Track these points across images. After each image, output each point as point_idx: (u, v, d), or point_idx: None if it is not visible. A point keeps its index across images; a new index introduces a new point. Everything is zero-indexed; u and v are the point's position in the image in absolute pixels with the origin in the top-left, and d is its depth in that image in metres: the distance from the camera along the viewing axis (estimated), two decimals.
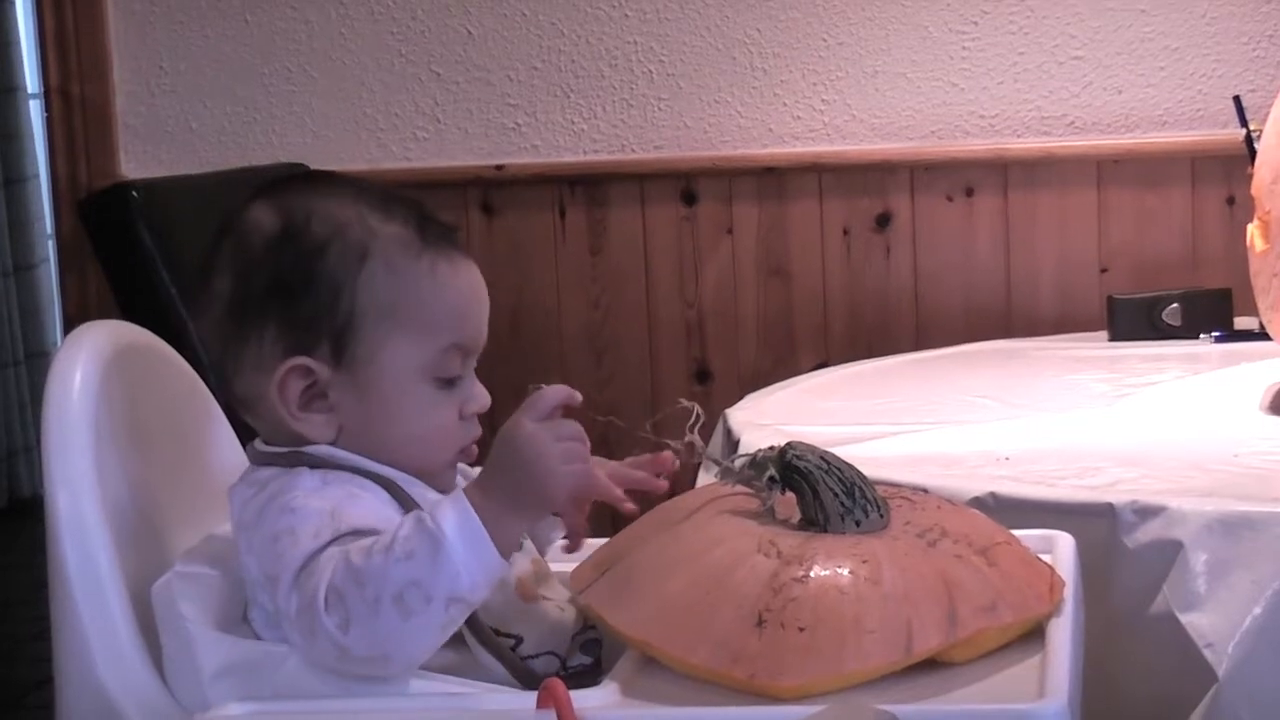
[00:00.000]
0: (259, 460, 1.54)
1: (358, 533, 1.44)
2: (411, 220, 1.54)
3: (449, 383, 1.54)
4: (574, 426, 1.45)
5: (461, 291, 1.56)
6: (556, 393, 1.46)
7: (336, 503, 1.46)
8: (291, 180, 1.59)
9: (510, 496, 1.42)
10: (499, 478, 1.43)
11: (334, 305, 1.51)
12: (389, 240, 1.52)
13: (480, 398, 1.57)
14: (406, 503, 1.50)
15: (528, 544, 1.61)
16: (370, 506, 1.47)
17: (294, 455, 1.52)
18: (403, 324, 1.52)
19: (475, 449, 1.58)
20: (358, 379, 1.52)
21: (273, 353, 1.52)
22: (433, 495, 1.52)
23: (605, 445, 1.73)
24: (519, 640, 1.50)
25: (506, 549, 1.42)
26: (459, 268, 1.56)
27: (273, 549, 1.45)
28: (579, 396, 1.48)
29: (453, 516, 1.41)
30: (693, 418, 1.57)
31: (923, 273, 3.58)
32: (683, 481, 1.65)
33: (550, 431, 1.43)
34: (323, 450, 1.51)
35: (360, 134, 3.71)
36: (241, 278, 1.53)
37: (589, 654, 1.54)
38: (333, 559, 1.41)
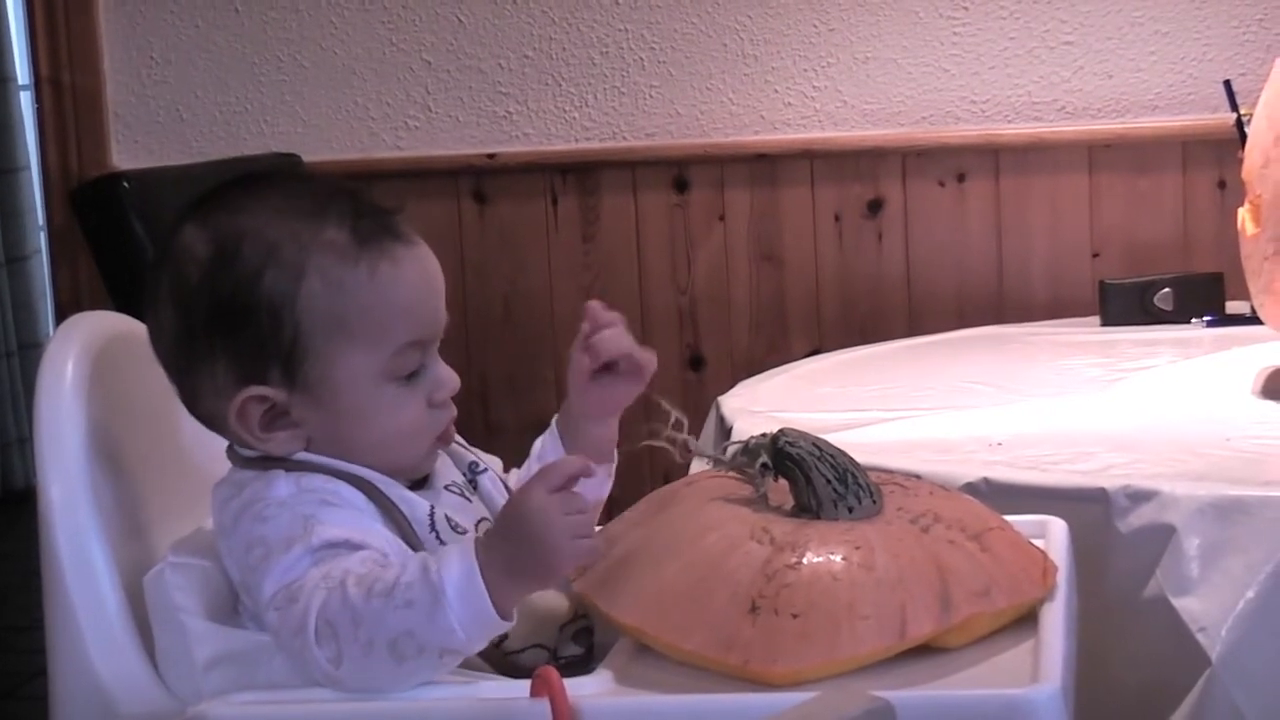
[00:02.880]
0: (237, 462, 1.54)
1: (331, 545, 1.42)
2: (345, 221, 1.50)
3: (411, 377, 1.52)
4: (583, 500, 1.41)
5: (407, 288, 1.51)
6: (571, 465, 1.42)
7: (310, 512, 1.45)
8: (220, 195, 1.54)
9: (516, 564, 1.39)
10: (506, 544, 1.39)
11: (277, 331, 1.48)
12: (323, 252, 1.49)
13: (447, 382, 1.54)
14: (382, 502, 1.49)
15: None
16: (345, 514, 1.46)
17: (268, 460, 1.51)
18: (351, 336, 1.49)
19: (452, 430, 1.57)
20: (316, 396, 1.50)
21: (226, 383, 1.50)
22: (409, 494, 1.51)
23: None
24: (503, 636, 1.49)
25: (506, 610, 1.38)
26: (401, 262, 1.51)
27: (246, 559, 1.45)
28: (593, 468, 1.45)
29: (456, 572, 1.38)
30: (671, 420, 1.57)
31: (915, 259, 3.58)
32: (677, 472, 1.65)
33: (561, 504, 1.39)
34: (299, 455, 1.51)
35: (351, 123, 3.70)
36: (182, 310, 1.51)
37: (580, 644, 1.54)
38: (321, 587, 1.39)
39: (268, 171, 3.10)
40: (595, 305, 1.61)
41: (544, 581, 1.43)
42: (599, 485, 1.65)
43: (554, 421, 1.69)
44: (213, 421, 1.54)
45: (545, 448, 1.69)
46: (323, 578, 1.40)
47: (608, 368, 1.62)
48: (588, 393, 1.63)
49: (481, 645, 1.41)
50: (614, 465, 1.70)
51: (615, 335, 1.61)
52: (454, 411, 1.56)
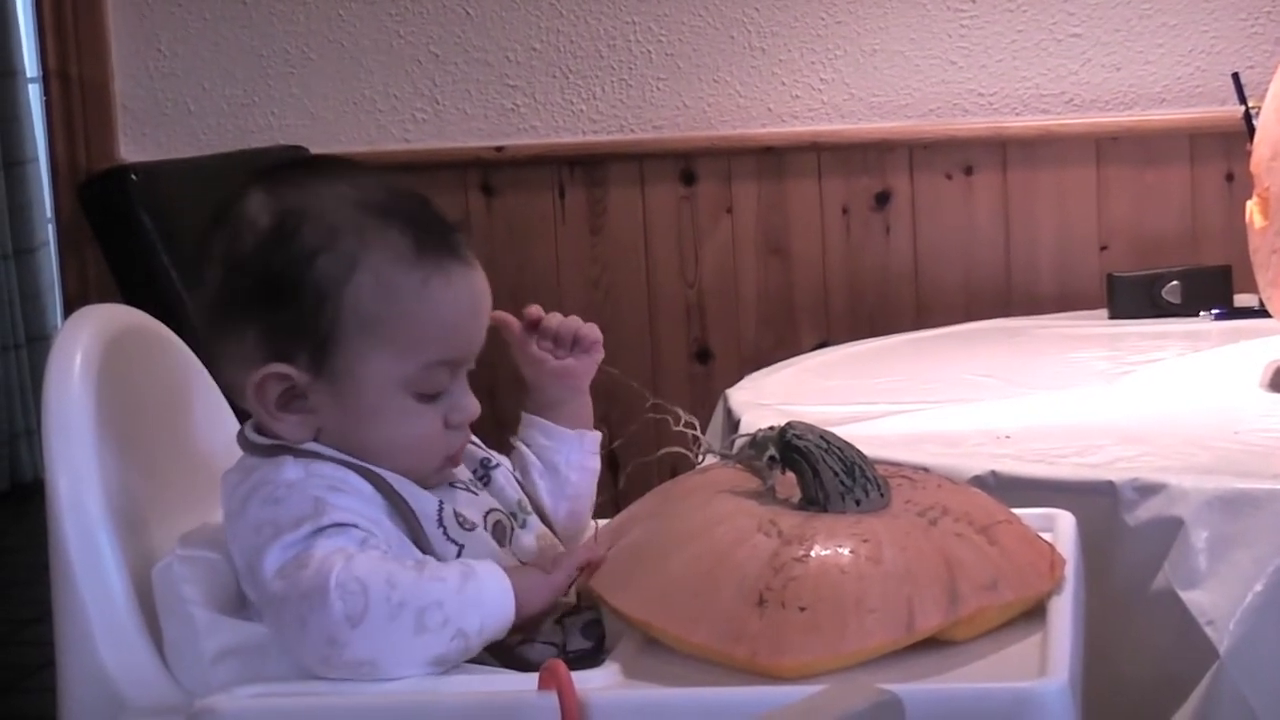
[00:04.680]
0: (247, 448, 1.54)
1: (340, 526, 1.43)
2: (410, 227, 1.51)
3: (433, 395, 1.53)
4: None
5: (452, 308, 1.52)
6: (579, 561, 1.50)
7: (320, 494, 1.45)
8: (293, 169, 1.56)
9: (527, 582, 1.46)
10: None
11: (316, 315, 1.49)
12: (382, 251, 1.49)
13: (467, 408, 1.55)
14: (391, 496, 1.49)
15: (532, 520, 1.61)
16: (353, 500, 1.47)
17: (279, 446, 1.51)
18: (386, 339, 1.49)
19: (461, 455, 1.58)
20: (337, 388, 1.50)
21: (253, 354, 1.50)
22: (419, 491, 1.52)
23: (610, 403, 1.76)
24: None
25: (520, 603, 1.44)
26: (454, 280, 1.52)
27: (254, 540, 1.45)
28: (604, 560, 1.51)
29: (490, 564, 1.44)
30: (681, 421, 1.58)
31: (922, 251, 3.58)
32: (684, 467, 1.65)
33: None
34: (309, 445, 1.51)
35: (359, 116, 3.70)
36: (229, 273, 1.52)
37: (589, 637, 1.54)
38: (340, 553, 1.40)
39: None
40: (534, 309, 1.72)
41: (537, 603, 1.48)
42: (583, 453, 1.72)
43: (526, 419, 1.73)
44: (233, 389, 1.55)
45: (539, 445, 1.72)
46: (338, 549, 1.41)
47: (558, 343, 1.71)
48: (554, 375, 1.71)
49: (485, 641, 1.43)
50: (599, 438, 1.74)
51: (557, 317, 1.71)
52: (468, 436, 1.57)
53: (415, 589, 1.40)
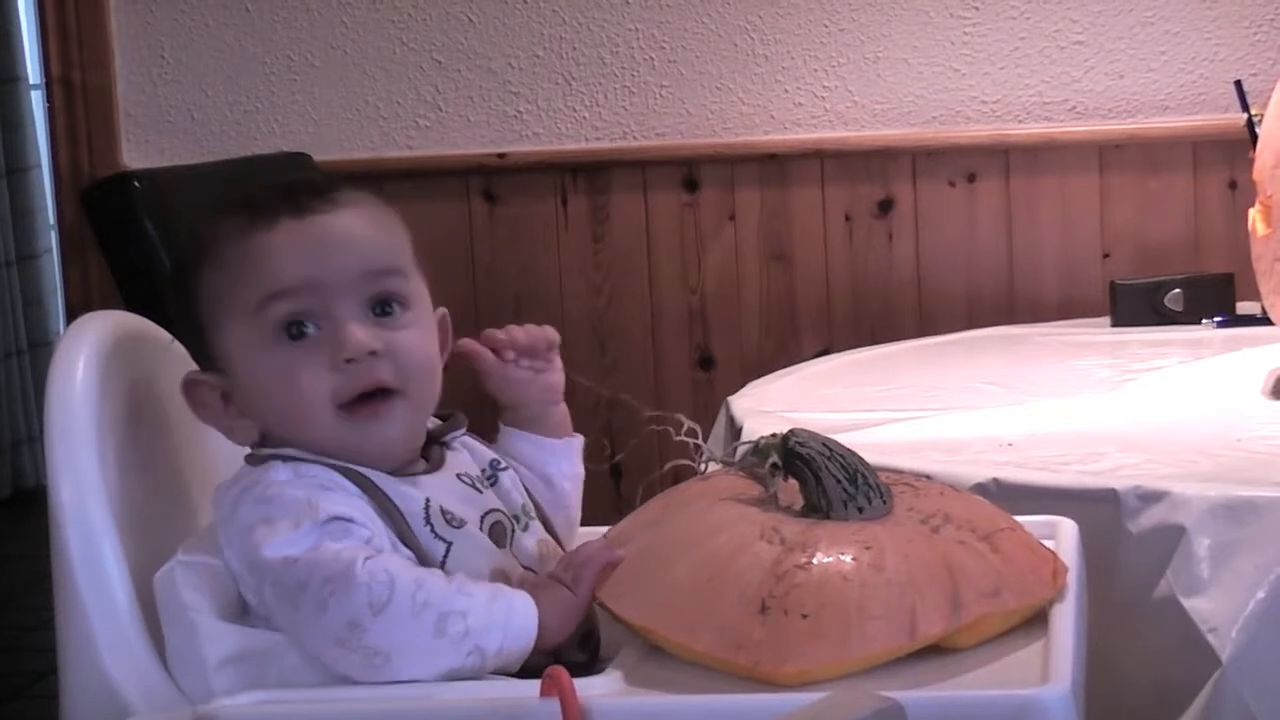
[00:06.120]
0: (246, 460, 1.56)
1: (338, 519, 1.45)
2: (248, 205, 1.54)
3: (298, 337, 1.52)
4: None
5: (272, 244, 1.52)
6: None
7: (310, 494, 1.47)
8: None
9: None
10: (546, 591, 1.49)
11: (191, 316, 1.56)
12: (223, 238, 1.53)
13: (347, 341, 1.50)
14: (376, 495, 1.49)
15: (535, 524, 1.61)
16: (342, 497, 1.48)
17: (269, 455, 1.53)
18: (230, 308, 1.53)
19: (397, 412, 1.53)
20: (231, 376, 1.54)
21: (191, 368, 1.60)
22: (403, 488, 1.52)
23: (613, 412, 1.76)
24: None
25: (544, 630, 1.45)
26: (277, 230, 1.52)
27: (249, 539, 1.46)
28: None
29: (522, 594, 1.46)
30: (684, 429, 1.58)
31: (925, 259, 3.58)
32: (686, 474, 1.66)
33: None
34: (291, 450, 1.52)
35: (362, 122, 3.70)
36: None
37: (585, 650, 1.54)
38: (361, 548, 1.42)
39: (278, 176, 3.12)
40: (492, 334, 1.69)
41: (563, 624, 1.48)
42: (572, 461, 1.72)
43: (508, 433, 1.71)
44: None
45: (530, 459, 1.70)
46: (356, 544, 1.43)
47: (533, 355, 1.68)
48: (543, 389, 1.69)
49: (499, 664, 1.43)
50: (583, 441, 1.74)
51: (519, 331, 1.68)
52: (375, 375, 1.52)
53: (442, 594, 1.41)
